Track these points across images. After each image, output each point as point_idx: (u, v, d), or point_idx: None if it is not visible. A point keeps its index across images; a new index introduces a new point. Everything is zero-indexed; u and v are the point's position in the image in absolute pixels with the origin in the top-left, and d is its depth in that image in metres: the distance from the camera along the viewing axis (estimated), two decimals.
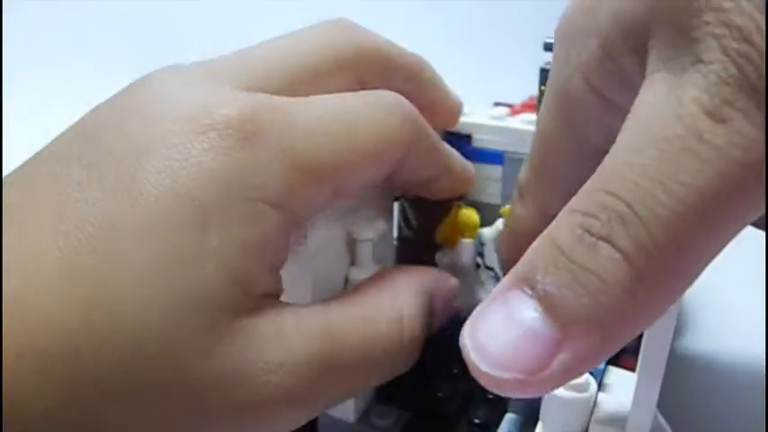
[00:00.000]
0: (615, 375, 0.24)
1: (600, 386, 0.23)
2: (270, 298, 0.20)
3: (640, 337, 0.21)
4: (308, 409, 0.21)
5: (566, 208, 0.16)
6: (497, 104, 0.40)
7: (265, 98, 0.21)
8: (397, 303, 0.23)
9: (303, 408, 0.20)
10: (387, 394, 0.28)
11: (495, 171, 0.35)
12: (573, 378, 0.16)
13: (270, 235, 0.19)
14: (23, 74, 0.79)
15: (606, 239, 0.15)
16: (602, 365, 0.24)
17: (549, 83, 0.23)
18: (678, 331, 0.40)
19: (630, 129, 0.16)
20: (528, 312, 0.16)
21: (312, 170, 0.20)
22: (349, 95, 0.23)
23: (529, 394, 0.16)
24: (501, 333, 0.16)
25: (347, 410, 0.27)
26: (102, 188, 0.18)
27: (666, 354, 0.21)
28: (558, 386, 0.16)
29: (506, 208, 0.32)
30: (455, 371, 0.29)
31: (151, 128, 0.19)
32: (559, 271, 0.15)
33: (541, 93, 0.31)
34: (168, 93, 0.20)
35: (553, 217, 0.17)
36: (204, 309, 0.18)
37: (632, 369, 0.23)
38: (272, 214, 0.19)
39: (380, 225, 0.27)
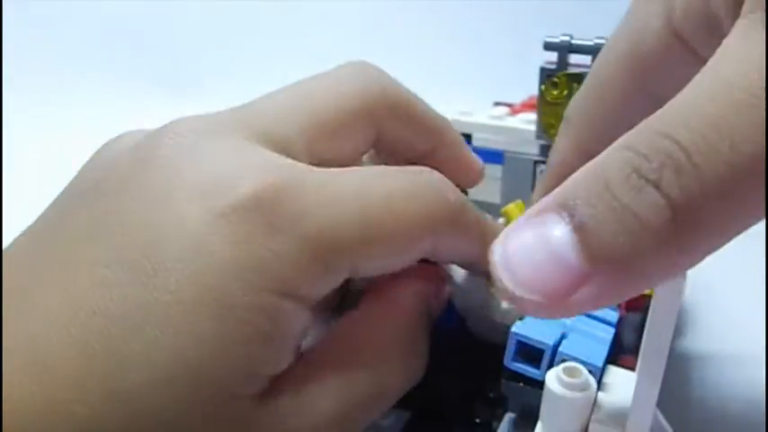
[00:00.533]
0: (615, 375, 0.24)
1: (600, 385, 0.23)
2: (289, 371, 0.20)
3: (641, 336, 0.21)
4: None
5: (619, 142, 0.16)
6: (497, 104, 0.40)
7: (291, 172, 0.19)
8: (407, 340, 0.24)
9: None
10: None
11: (496, 170, 0.35)
12: (589, 309, 0.16)
13: (290, 324, 0.19)
14: (23, 74, 0.79)
15: (655, 184, 0.14)
16: (600, 364, 0.23)
17: (621, 26, 0.22)
18: (679, 331, 0.40)
19: (706, 74, 0.15)
20: (562, 238, 0.15)
21: (335, 261, 0.19)
22: (386, 172, 0.21)
23: (542, 317, 0.16)
24: (531, 252, 0.16)
25: None
26: (119, 273, 0.17)
27: (666, 353, 0.21)
28: (573, 315, 0.16)
29: (507, 207, 0.32)
30: (454, 370, 0.29)
31: (169, 204, 0.18)
32: (601, 205, 0.15)
33: (541, 92, 0.31)
34: (188, 156, 0.19)
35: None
36: (227, 401, 0.18)
37: (632, 368, 0.23)
38: (292, 305, 0.19)
39: None
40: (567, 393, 0.22)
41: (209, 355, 0.17)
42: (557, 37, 0.30)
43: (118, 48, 0.85)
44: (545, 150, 0.33)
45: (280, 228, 0.18)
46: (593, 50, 0.29)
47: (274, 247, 0.18)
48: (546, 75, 0.30)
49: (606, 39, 0.29)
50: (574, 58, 0.30)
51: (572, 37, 0.30)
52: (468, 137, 0.35)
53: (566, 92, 0.30)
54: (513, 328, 0.24)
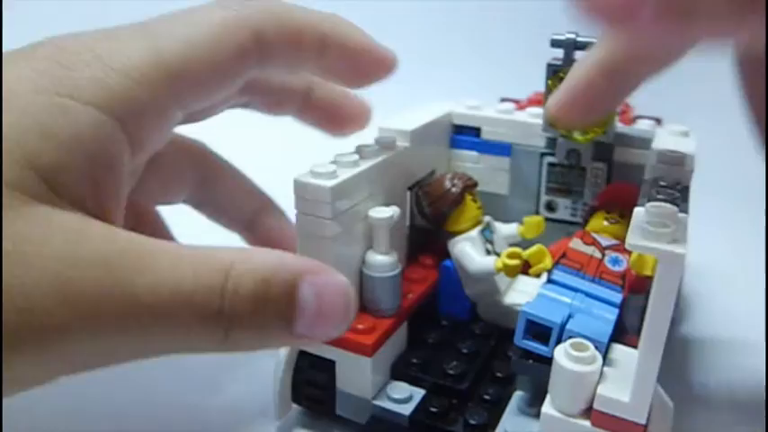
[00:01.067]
0: (619, 352, 0.26)
1: (605, 361, 0.24)
2: (89, 210, 0.20)
3: (642, 317, 0.22)
4: (100, 329, 0.19)
5: None
6: (504, 100, 0.41)
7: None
8: (233, 256, 0.20)
9: (93, 323, 0.18)
10: (401, 372, 0.30)
11: (503, 162, 0.36)
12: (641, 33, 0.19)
13: (82, 132, 0.20)
14: None
15: None
16: (605, 341, 0.25)
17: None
18: (679, 317, 0.42)
19: None
20: None
21: (139, 77, 0.21)
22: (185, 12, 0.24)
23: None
24: None
25: (364, 388, 0.28)
26: None
27: (666, 331, 0.22)
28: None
29: (533, 219, 0.33)
30: (464, 350, 0.31)
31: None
32: None
33: (548, 86, 0.32)
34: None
35: None
36: None
37: (635, 347, 0.25)
38: (86, 112, 0.20)
39: (395, 210, 0.29)
40: (575, 367, 0.24)
41: None
42: (563, 35, 0.31)
43: None
44: (551, 143, 0.34)
45: (79, 53, 0.21)
46: None
47: (71, 62, 0.21)
48: (552, 70, 0.32)
49: None
50: (578, 55, 0.31)
51: (577, 35, 0.31)
52: (477, 130, 0.37)
53: None
54: (523, 308, 0.26)
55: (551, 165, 0.35)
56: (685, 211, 0.24)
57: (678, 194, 0.26)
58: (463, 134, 0.37)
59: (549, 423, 0.24)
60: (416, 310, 0.32)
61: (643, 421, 0.23)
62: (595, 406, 0.23)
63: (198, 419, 0.31)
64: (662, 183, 0.26)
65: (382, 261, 0.28)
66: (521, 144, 0.36)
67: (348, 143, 0.30)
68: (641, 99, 0.43)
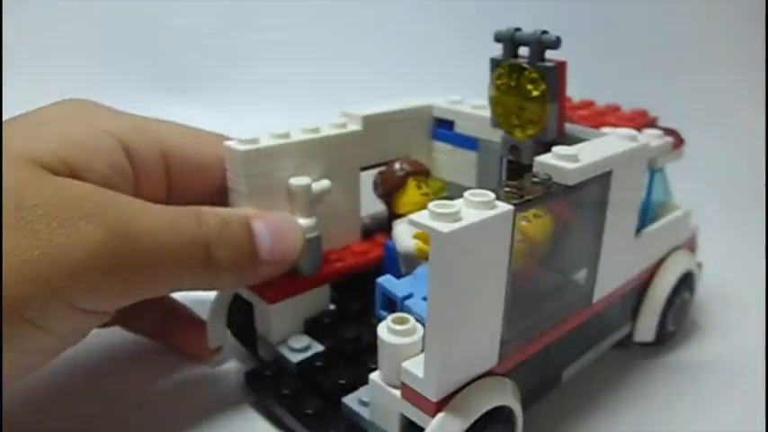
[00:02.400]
0: None
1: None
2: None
3: None
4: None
5: None
6: None
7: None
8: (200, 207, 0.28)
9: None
10: (310, 328, 0.33)
11: (472, 156, 0.37)
12: None
13: (103, 146, 0.28)
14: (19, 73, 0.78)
15: None
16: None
17: None
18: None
19: None
20: None
21: (137, 129, 0.30)
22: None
23: None
24: None
25: (269, 332, 0.32)
26: None
27: (446, 309, 0.23)
28: None
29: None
30: (372, 321, 0.32)
31: None
32: None
33: (492, 80, 0.32)
34: None
35: None
36: None
37: None
38: (105, 136, 0.29)
39: (324, 183, 0.32)
40: (393, 339, 0.25)
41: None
42: (507, 30, 0.30)
43: (121, 50, 0.85)
44: (504, 141, 0.32)
45: (102, 111, 0.31)
46: (532, 42, 0.29)
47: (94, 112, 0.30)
48: (495, 64, 0.31)
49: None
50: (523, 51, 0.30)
51: (516, 30, 0.30)
52: (450, 123, 0.37)
53: (505, 80, 0.30)
54: (378, 280, 0.27)
55: (509, 161, 0.35)
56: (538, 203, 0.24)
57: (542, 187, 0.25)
58: (443, 127, 0.38)
59: (374, 390, 0.26)
60: (349, 280, 0.34)
61: (433, 399, 0.23)
62: (401, 378, 0.24)
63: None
64: (535, 176, 0.26)
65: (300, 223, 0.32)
66: (485, 140, 0.36)
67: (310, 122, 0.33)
68: (642, 99, 0.39)
